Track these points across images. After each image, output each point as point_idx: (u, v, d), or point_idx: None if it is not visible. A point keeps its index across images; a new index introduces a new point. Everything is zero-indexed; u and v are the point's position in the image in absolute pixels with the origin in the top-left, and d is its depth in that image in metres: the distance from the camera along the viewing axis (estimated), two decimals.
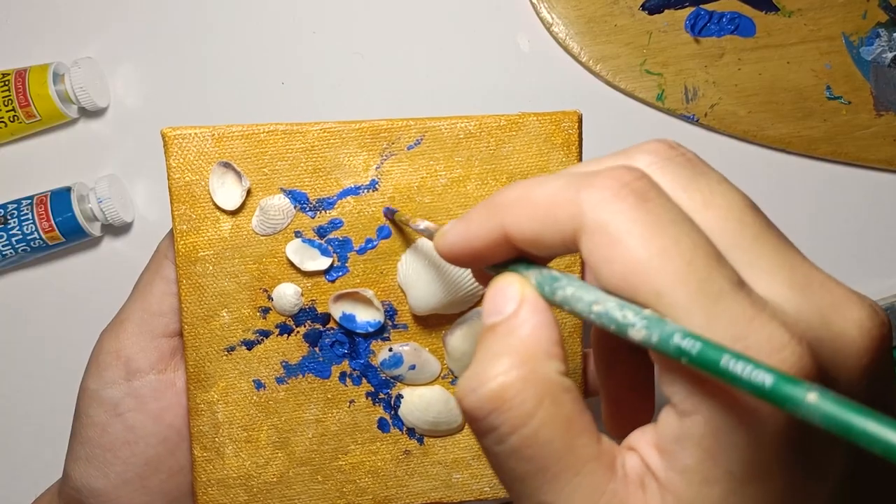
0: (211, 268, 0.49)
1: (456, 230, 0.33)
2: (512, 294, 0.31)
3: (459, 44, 0.70)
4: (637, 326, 0.28)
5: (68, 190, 0.66)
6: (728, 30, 0.69)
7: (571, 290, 0.30)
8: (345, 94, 0.69)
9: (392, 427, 0.51)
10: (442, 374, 0.51)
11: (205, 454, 0.50)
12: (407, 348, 0.50)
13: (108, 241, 0.69)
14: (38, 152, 0.69)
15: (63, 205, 0.65)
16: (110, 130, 0.69)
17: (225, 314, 0.49)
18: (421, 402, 0.50)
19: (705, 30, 0.69)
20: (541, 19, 0.70)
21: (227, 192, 0.48)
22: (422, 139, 0.49)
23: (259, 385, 0.50)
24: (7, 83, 0.65)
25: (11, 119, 0.65)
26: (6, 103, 0.65)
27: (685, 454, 0.29)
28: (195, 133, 0.48)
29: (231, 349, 0.50)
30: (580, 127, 0.49)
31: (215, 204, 0.48)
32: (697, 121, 0.70)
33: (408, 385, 0.51)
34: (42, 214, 0.65)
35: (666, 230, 0.28)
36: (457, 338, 0.50)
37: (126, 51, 0.69)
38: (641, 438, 0.31)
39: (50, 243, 0.66)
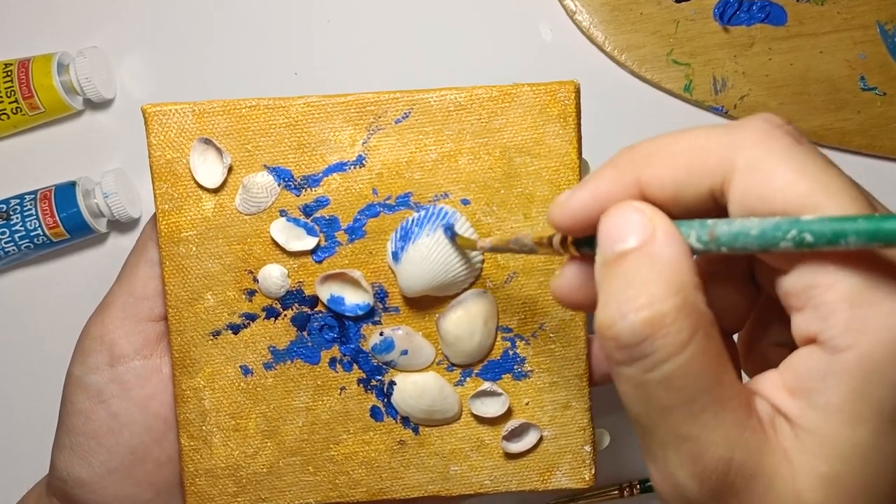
0: (194, 249, 0.47)
1: (582, 194, 0.32)
2: (638, 221, 0.31)
3: (479, 33, 0.68)
4: (812, 227, 0.28)
5: (73, 184, 0.65)
6: (758, 18, 0.67)
7: (726, 226, 0.30)
8: (360, 83, 0.67)
9: (385, 416, 0.49)
10: (436, 360, 0.49)
11: (192, 443, 0.49)
12: (399, 332, 0.48)
13: (114, 238, 0.68)
14: (41, 145, 0.68)
15: (68, 200, 0.64)
16: (117, 123, 0.68)
17: (210, 297, 0.48)
18: (415, 389, 0.48)
19: (735, 18, 0.67)
20: (563, 7, 0.68)
21: (209, 169, 0.47)
22: (410, 112, 0.47)
23: (246, 371, 0.48)
24: (10, 73, 0.64)
25: (14, 111, 0.64)
26: (9, 94, 0.64)
27: (830, 392, 0.29)
28: (176, 109, 0.46)
29: (217, 333, 0.48)
30: (578, 98, 0.47)
31: (197, 182, 0.47)
32: (726, 113, 0.67)
33: (401, 371, 0.49)
34: (46, 210, 0.64)
35: (826, 169, 0.29)
36: (451, 321, 0.47)
37: (133, 40, 0.68)
38: (765, 383, 0.31)
39: (54, 240, 0.65)
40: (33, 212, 0.64)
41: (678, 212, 0.32)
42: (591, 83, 0.67)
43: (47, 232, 0.64)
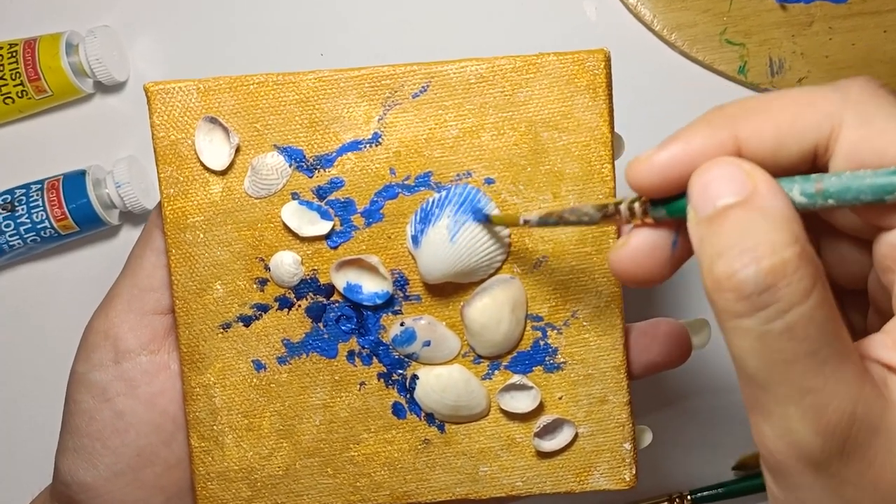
0: (202, 235, 0.45)
1: (671, 150, 0.32)
2: (738, 175, 0.31)
3: (519, 12, 0.64)
4: None
5: (83, 173, 0.62)
6: None
7: (835, 178, 0.30)
8: (386, 61, 0.64)
9: (408, 412, 0.46)
10: (462, 352, 0.45)
11: (203, 444, 0.46)
12: (421, 322, 0.45)
13: (126, 231, 0.66)
14: (49, 131, 0.65)
15: (77, 190, 0.61)
16: (129, 107, 0.65)
17: (219, 287, 0.45)
18: (438, 383, 0.45)
19: None
20: None
21: (215, 150, 0.44)
22: (428, 86, 0.44)
23: (259, 366, 0.46)
24: (15, 54, 0.61)
25: (20, 94, 0.61)
26: (14, 77, 0.61)
27: None
28: (180, 87, 0.44)
29: (227, 326, 0.45)
30: (608, 67, 0.44)
31: (203, 164, 0.44)
32: None
33: (424, 364, 0.46)
34: (54, 201, 0.61)
35: None
36: (477, 309, 0.44)
37: (147, 19, 0.65)
38: (872, 343, 0.32)
39: (62, 233, 0.62)
40: (40, 203, 0.61)
41: (775, 171, 0.31)
42: (637, 65, 0.64)
43: (55, 224, 0.61)
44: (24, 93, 0.61)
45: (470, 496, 0.47)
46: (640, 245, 0.35)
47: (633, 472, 0.46)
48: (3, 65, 0.61)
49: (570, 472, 0.46)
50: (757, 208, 0.30)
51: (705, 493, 0.66)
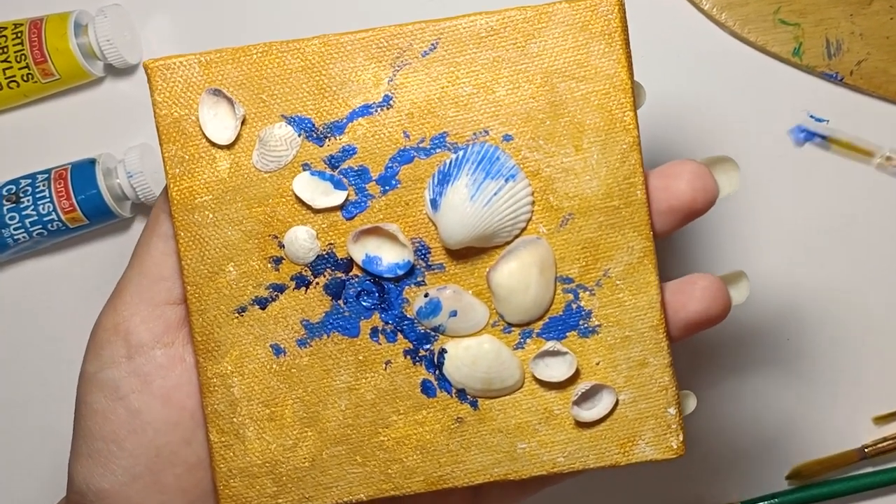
0: (211, 215, 0.43)
1: None
2: None
3: None
4: None
5: (92, 162, 0.60)
6: None
7: None
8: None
9: (438, 390, 0.44)
10: (491, 322, 0.43)
11: (223, 438, 0.44)
12: (446, 292, 0.43)
13: (139, 224, 0.64)
14: (56, 117, 0.64)
15: (86, 180, 0.59)
16: (142, 92, 0.62)
17: (231, 268, 0.43)
18: (468, 355, 0.43)
19: None
20: None
21: (220, 123, 0.43)
22: (437, 43, 0.42)
23: (278, 351, 0.43)
24: (20, 35, 0.59)
25: (25, 78, 0.60)
26: (19, 59, 0.59)
27: None
28: (181, 62, 0.43)
29: (242, 310, 0.43)
30: (622, 11, 0.42)
31: (208, 139, 0.43)
32: (842, 80, 0.63)
33: (451, 337, 0.43)
34: (61, 192, 0.59)
35: None
36: (503, 273, 0.42)
37: None
38: None
39: (70, 226, 0.60)
40: (47, 194, 0.59)
41: None
42: (686, 46, 0.63)
43: (63, 217, 0.59)
44: (30, 76, 0.60)
45: (509, 476, 0.44)
46: None
47: (681, 438, 0.44)
48: (7, 46, 0.59)
49: (614, 444, 0.44)
50: None
51: None
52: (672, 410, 0.43)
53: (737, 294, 0.46)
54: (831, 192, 0.64)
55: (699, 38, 0.64)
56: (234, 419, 0.44)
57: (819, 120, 0.63)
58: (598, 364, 0.43)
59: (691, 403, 0.45)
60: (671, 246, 0.64)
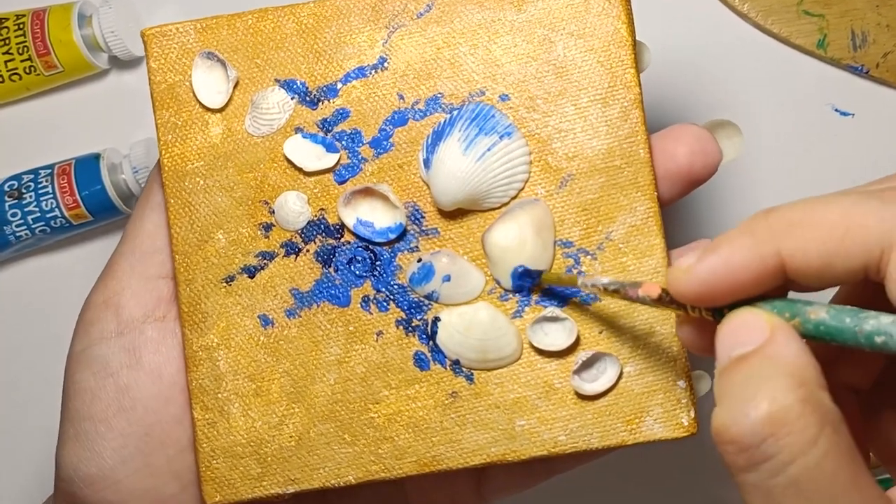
0: (202, 182, 0.42)
1: (710, 263, 0.31)
2: (758, 324, 0.30)
3: None
4: None
5: (97, 157, 0.59)
6: None
7: (832, 312, 0.29)
8: None
9: (432, 363, 0.41)
10: (487, 289, 0.41)
11: (207, 415, 0.42)
12: (440, 256, 0.41)
13: None
14: (59, 111, 0.63)
15: (90, 175, 0.58)
16: (147, 84, 0.64)
17: (220, 236, 0.42)
18: (461, 321, 0.41)
19: None
20: None
21: (213, 86, 0.43)
22: (433, 4, 0.42)
23: (266, 322, 0.42)
24: (22, 26, 0.59)
25: (27, 70, 0.59)
26: (21, 51, 0.59)
27: None
28: (177, 28, 0.43)
29: (230, 279, 0.42)
30: None
31: (201, 103, 0.42)
32: (867, 72, 0.61)
33: (445, 305, 0.41)
34: (65, 187, 0.58)
35: None
36: (498, 232, 0.40)
37: None
38: None
39: (74, 222, 0.59)
40: (50, 189, 0.58)
41: (820, 285, 0.31)
42: (708, 38, 0.62)
43: (66, 213, 0.58)
44: (33, 68, 0.60)
45: (507, 457, 0.41)
46: (691, 336, 0.34)
47: (692, 415, 0.40)
48: (9, 38, 0.59)
49: (620, 420, 0.40)
50: (765, 356, 0.29)
51: None
52: (682, 383, 0.40)
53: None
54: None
55: (721, 29, 0.63)
56: (220, 395, 0.42)
57: (844, 114, 0.61)
58: (601, 333, 0.41)
59: (705, 385, 0.42)
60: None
